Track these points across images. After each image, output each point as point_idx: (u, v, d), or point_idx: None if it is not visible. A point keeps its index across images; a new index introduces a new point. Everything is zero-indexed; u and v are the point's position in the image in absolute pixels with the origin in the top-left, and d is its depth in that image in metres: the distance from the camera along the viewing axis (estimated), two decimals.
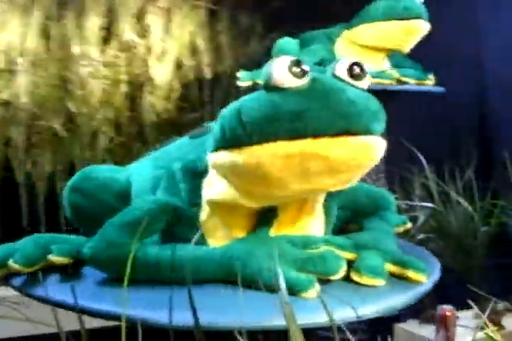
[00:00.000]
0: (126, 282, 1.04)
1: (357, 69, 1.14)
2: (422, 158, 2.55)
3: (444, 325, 2.31)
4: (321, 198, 1.30)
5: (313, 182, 1.12)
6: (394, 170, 2.95)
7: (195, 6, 3.13)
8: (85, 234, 1.31)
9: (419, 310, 3.00)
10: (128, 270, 1.07)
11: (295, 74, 1.08)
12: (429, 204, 2.44)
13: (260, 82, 2.74)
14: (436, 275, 1.25)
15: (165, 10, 3.05)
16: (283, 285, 1.02)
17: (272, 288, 1.07)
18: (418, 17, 2.70)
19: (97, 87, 2.83)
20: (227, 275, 1.13)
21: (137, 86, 2.96)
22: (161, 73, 3.02)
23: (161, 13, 3.03)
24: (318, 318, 1.01)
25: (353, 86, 1.12)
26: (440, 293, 3.38)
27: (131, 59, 2.97)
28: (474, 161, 2.79)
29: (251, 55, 3.11)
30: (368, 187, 1.47)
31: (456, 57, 3.69)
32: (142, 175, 1.39)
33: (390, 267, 1.20)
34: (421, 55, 3.08)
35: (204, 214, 1.24)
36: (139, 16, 3.01)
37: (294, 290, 1.06)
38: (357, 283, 1.15)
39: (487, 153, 3.58)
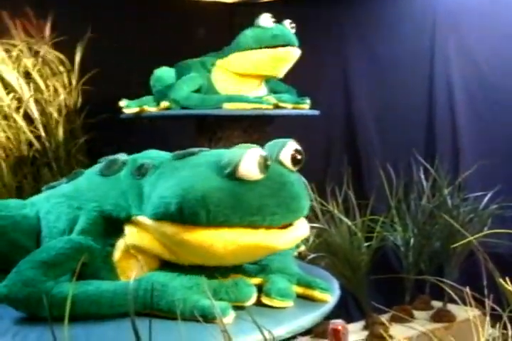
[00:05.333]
0: (49, 320, 1.02)
1: (299, 156, 1.24)
2: (303, 179, 2.63)
3: (336, 338, 2.38)
4: None
5: (249, 258, 1.25)
6: None
7: None
8: None
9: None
10: (46, 307, 1.09)
11: (261, 170, 1.15)
12: (315, 224, 2.52)
13: (148, 108, 2.77)
14: (337, 292, 1.34)
15: None
16: (199, 313, 1.08)
17: (189, 317, 1.10)
18: (287, 44, 2.78)
19: None
20: (143, 307, 1.14)
21: None
22: None
23: None
24: None
25: (292, 171, 1.23)
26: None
27: None
28: (350, 179, 2.91)
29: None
30: None
31: (325, 80, 3.87)
32: (54, 213, 1.36)
33: (296, 289, 1.28)
34: (294, 79, 3.20)
35: (118, 254, 1.27)
36: None
37: (210, 317, 1.10)
38: (268, 306, 1.22)
39: (360, 170, 3.76)
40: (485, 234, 2.66)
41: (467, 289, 1.31)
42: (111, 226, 1.28)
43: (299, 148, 1.26)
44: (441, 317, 2.85)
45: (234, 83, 2.85)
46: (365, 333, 2.70)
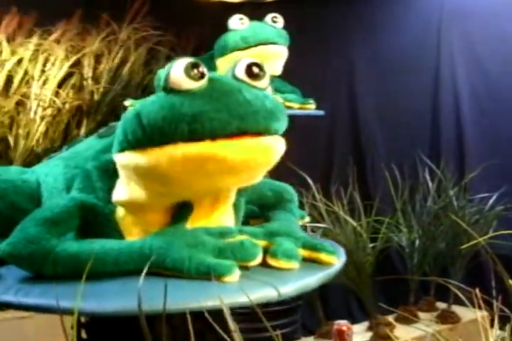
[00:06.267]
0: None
1: (256, 70, 1.18)
2: (309, 180, 2.63)
3: (341, 339, 2.38)
4: (233, 194, 1.33)
5: (215, 181, 1.16)
6: None
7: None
8: None
9: (313, 325, 3.07)
10: (50, 264, 1.10)
11: (192, 77, 1.11)
12: (320, 225, 2.52)
13: None
14: (343, 258, 1.31)
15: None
16: (204, 270, 1.08)
17: (194, 275, 1.09)
18: (275, 42, 2.77)
19: None
20: (148, 265, 1.12)
21: None
22: None
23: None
24: (243, 298, 1.04)
25: (252, 86, 1.16)
26: (334, 308, 3.49)
27: None
28: (355, 180, 2.90)
29: None
30: (272, 182, 1.52)
31: (329, 81, 3.86)
32: (53, 175, 1.36)
33: (302, 252, 1.26)
34: (299, 80, 3.21)
35: (121, 211, 1.24)
36: None
37: (216, 275, 1.09)
38: (273, 268, 1.20)
39: (365, 171, 3.75)
40: (494, 235, 2.68)
41: (475, 290, 1.30)
42: (110, 183, 1.26)
43: (255, 61, 1.20)
44: (446, 318, 2.84)
45: None
46: (369, 334, 2.69)
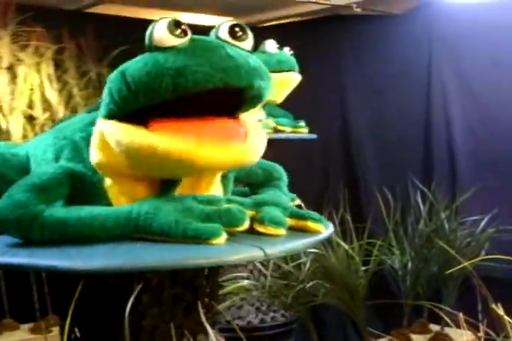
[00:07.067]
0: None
1: (239, 31, 1.20)
2: (301, 203, 2.64)
3: None
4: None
5: (196, 164, 1.14)
6: None
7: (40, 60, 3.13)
8: None
9: None
10: (37, 229, 1.11)
11: (174, 34, 1.13)
12: (312, 250, 2.53)
13: None
14: (331, 229, 1.32)
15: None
16: (191, 234, 1.09)
17: (181, 240, 1.11)
18: (291, 69, 2.89)
19: None
20: (135, 230, 1.14)
21: None
22: (14, 127, 2.99)
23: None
24: (229, 257, 1.08)
25: (235, 46, 1.18)
26: (330, 330, 3.49)
27: None
28: (347, 203, 2.92)
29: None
30: (261, 161, 1.51)
31: (321, 104, 3.90)
32: (42, 148, 1.37)
33: (289, 221, 1.26)
34: (291, 103, 3.24)
35: (108, 180, 1.25)
36: None
37: (203, 238, 1.10)
38: (261, 234, 1.21)
39: (357, 193, 3.78)
40: (482, 259, 2.70)
41: (461, 314, 1.32)
42: None
43: (238, 23, 1.22)
44: (439, 340, 2.85)
45: None
46: None
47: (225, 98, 1.15)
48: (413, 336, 2.90)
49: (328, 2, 3.58)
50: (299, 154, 3.59)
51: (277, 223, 1.22)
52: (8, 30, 3.06)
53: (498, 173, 3.25)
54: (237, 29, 1.20)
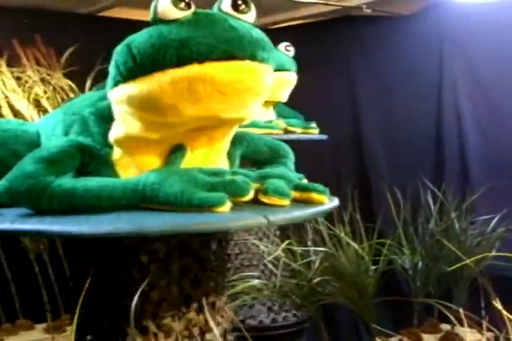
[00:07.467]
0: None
1: (241, 3, 1.23)
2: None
3: None
4: (227, 140, 1.38)
5: (204, 107, 1.19)
6: None
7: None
8: None
9: None
10: (45, 199, 1.14)
11: (178, 7, 1.16)
12: (322, 248, 2.55)
13: None
14: (336, 202, 1.35)
15: None
16: (196, 202, 1.12)
17: (187, 209, 1.13)
18: (288, 69, 2.88)
19: None
20: (142, 200, 1.17)
21: None
22: None
23: None
24: (232, 223, 1.11)
25: (238, 18, 1.20)
26: (343, 329, 3.50)
27: None
28: (356, 202, 2.94)
29: None
30: (268, 139, 1.56)
31: (333, 105, 3.92)
32: (52, 124, 1.40)
33: (294, 194, 1.29)
34: (302, 104, 3.26)
35: (117, 153, 1.29)
36: None
37: (207, 207, 1.13)
38: (265, 205, 1.23)
39: (368, 193, 3.79)
40: (492, 257, 2.71)
41: (461, 311, 1.34)
42: (105, 127, 1.31)
43: None
44: (450, 340, 2.85)
45: None
46: None
47: None
48: (424, 335, 2.91)
49: (339, 3, 3.61)
50: (311, 155, 3.61)
51: (281, 193, 1.24)
52: None
53: (508, 173, 3.25)
54: (239, 2, 1.23)
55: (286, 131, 2.99)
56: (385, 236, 2.89)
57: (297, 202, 1.28)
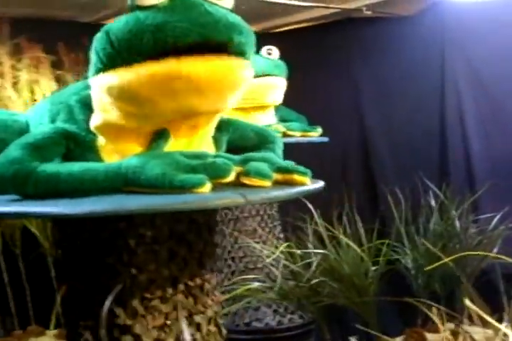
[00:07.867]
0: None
1: None
2: (310, 205, 2.69)
3: None
4: (211, 126, 1.41)
5: (180, 102, 1.22)
6: (288, 220, 3.10)
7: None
8: None
9: None
10: (31, 184, 1.18)
11: None
12: (320, 251, 2.57)
13: None
14: (320, 185, 1.38)
15: None
16: (178, 184, 1.14)
17: (168, 191, 1.16)
18: (269, 74, 2.86)
19: None
20: (124, 183, 1.20)
21: None
22: None
23: None
24: (209, 202, 1.14)
25: (214, 4, 1.22)
26: (347, 331, 3.52)
27: None
28: (355, 203, 2.95)
29: None
30: (254, 125, 1.59)
31: (337, 107, 3.94)
32: (39, 113, 1.45)
33: (276, 176, 1.31)
34: (306, 107, 3.29)
35: (101, 140, 1.33)
36: None
37: (188, 188, 1.15)
38: (248, 187, 1.26)
39: (374, 196, 3.80)
40: (495, 256, 2.70)
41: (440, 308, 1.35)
42: (90, 114, 1.34)
43: None
44: (456, 338, 2.85)
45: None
46: None
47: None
48: (428, 335, 2.90)
49: (339, 6, 3.62)
50: (315, 158, 3.62)
51: (263, 175, 1.26)
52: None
53: (510, 172, 3.25)
54: None
55: (286, 136, 3.01)
56: (387, 236, 2.90)
57: (281, 185, 1.31)
